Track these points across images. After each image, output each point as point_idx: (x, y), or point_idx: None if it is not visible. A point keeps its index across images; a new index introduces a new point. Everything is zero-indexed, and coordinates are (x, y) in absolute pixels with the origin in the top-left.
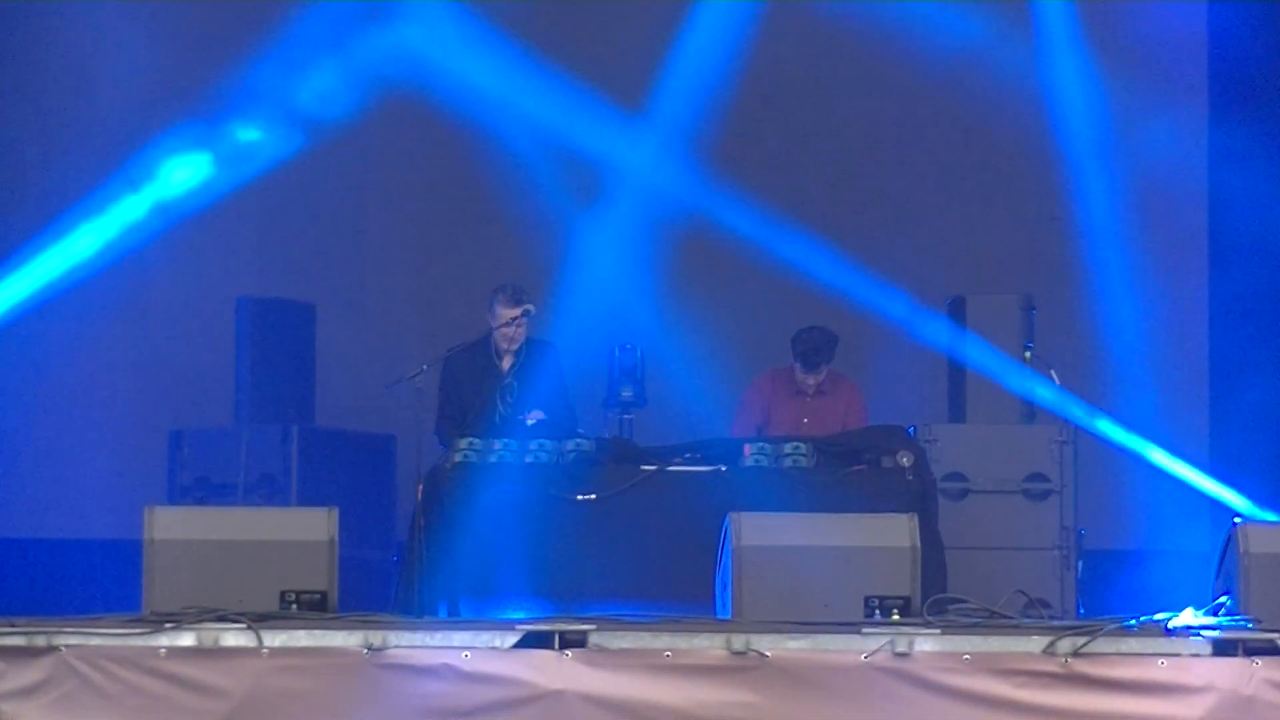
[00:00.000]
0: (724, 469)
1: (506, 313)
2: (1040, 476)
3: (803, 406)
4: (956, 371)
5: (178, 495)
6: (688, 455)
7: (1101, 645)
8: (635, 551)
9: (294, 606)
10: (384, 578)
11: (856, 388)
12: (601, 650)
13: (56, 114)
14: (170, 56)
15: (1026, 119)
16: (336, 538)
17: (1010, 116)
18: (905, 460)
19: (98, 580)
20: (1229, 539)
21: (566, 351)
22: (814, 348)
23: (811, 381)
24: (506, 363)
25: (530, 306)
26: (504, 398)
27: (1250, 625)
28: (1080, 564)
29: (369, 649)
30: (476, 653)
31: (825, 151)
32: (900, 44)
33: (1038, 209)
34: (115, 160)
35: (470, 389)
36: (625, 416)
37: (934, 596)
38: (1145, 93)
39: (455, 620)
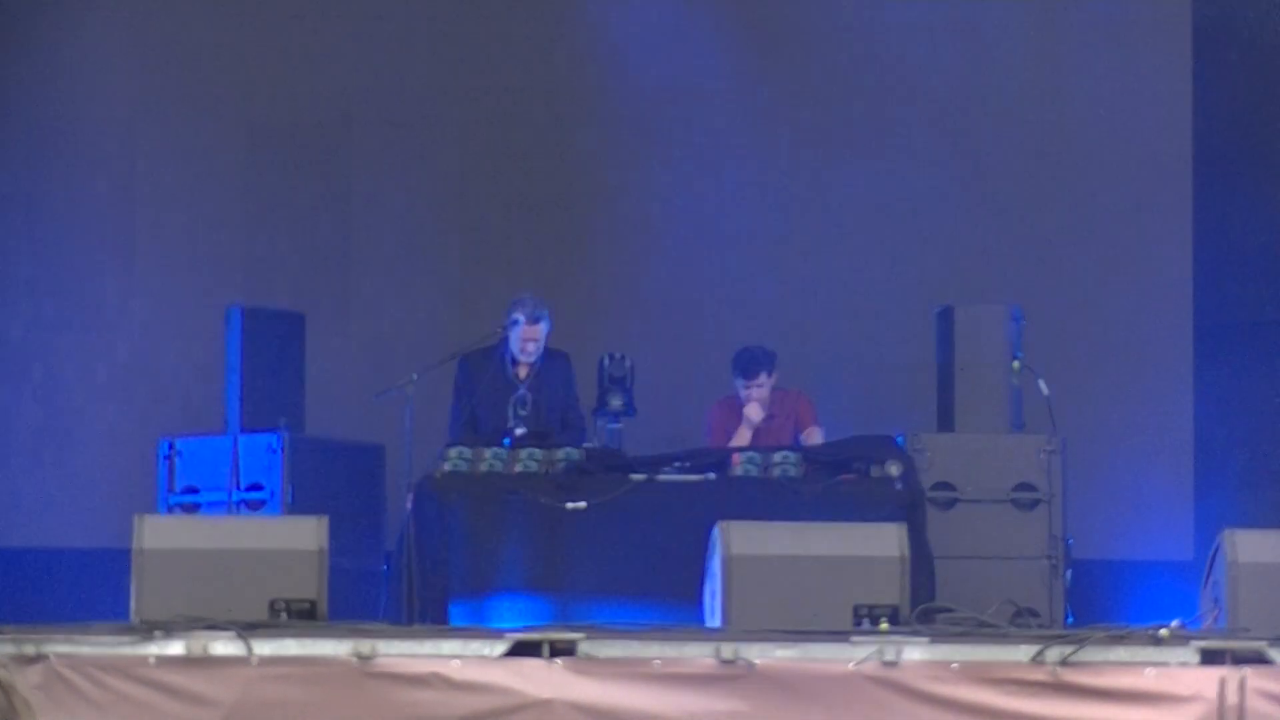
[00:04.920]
0: (713, 478)
1: (527, 331)
2: (1028, 486)
3: (756, 432)
4: (945, 381)
5: (167, 504)
6: (677, 464)
7: (1089, 654)
8: (624, 560)
9: (283, 615)
10: (373, 587)
11: (803, 395)
12: (590, 659)
13: (48, 111)
14: (161, 52)
15: (1018, 124)
16: (326, 547)
17: (1001, 123)
18: (894, 470)
19: (87, 589)
20: (1217, 548)
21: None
22: (750, 359)
23: (757, 395)
24: (522, 373)
25: (546, 326)
26: (517, 410)
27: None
28: (1068, 573)
29: (358, 658)
30: (466, 661)
31: (813, 159)
32: (891, 50)
33: (1026, 218)
34: (103, 164)
35: (484, 397)
36: (614, 426)
37: (922, 605)
38: (1130, 94)
39: (444, 629)
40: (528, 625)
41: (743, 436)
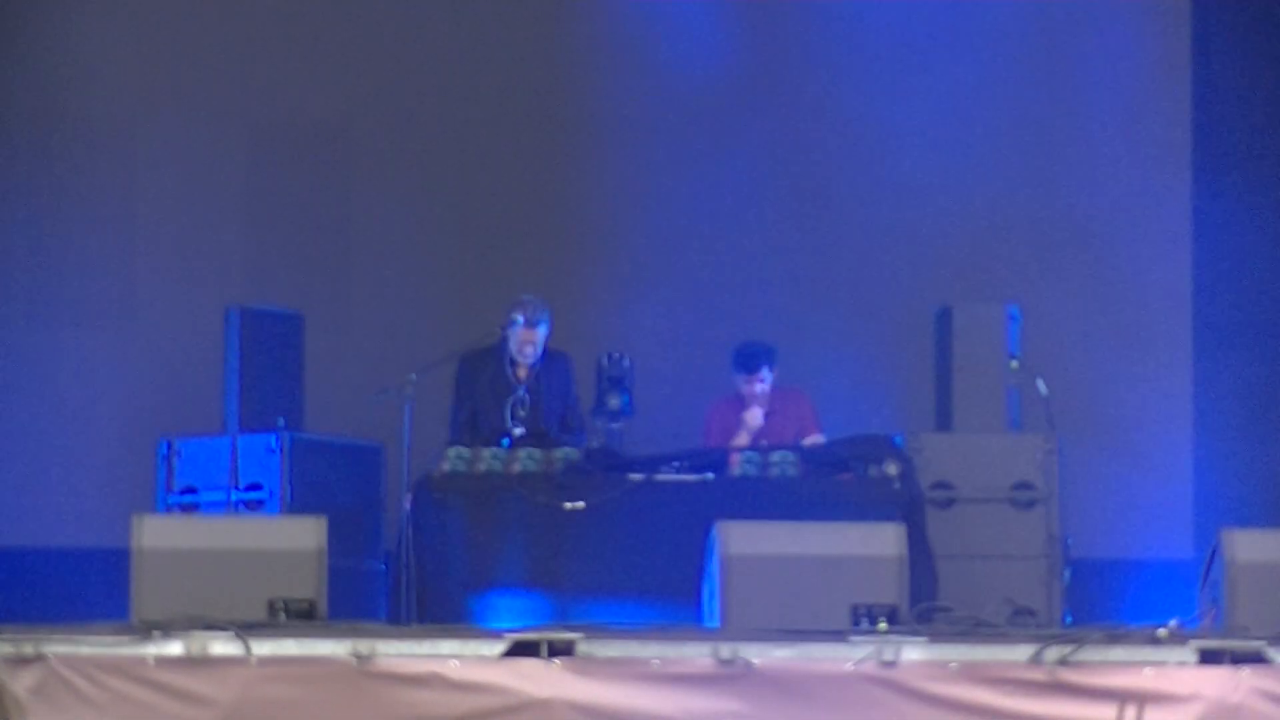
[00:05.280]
0: (711, 478)
1: (526, 334)
2: (1026, 485)
3: (757, 429)
4: (943, 381)
5: (166, 504)
6: (675, 464)
7: (1088, 654)
8: (623, 560)
9: (282, 615)
10: (372, 586)
11: (804, 395)
12: (589, 659)
13: (48, 112)
14: (161, 53)
15: (1016, 123)
16: (325, 546)
17: (999, 122)
18: (892, 469)
19: (85, 589)
20: (1215, 547)
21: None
22: (751, 353)
23: (759, 390)
24: (521, 373)
25: (545, 329)
26: (516, 411)
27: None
28: (1067, 572)
29: (357, 658)
30: (464, 661)
31: (811, 159)
32: (891, 49)
33: (1025, 217)
34: (106, 158)
35: (484, 397)
36: (613, 426)
37: (920, 605)
38: (1128, 92)
39: (443, 628)
40: (526, 625)
41: (742, 440)
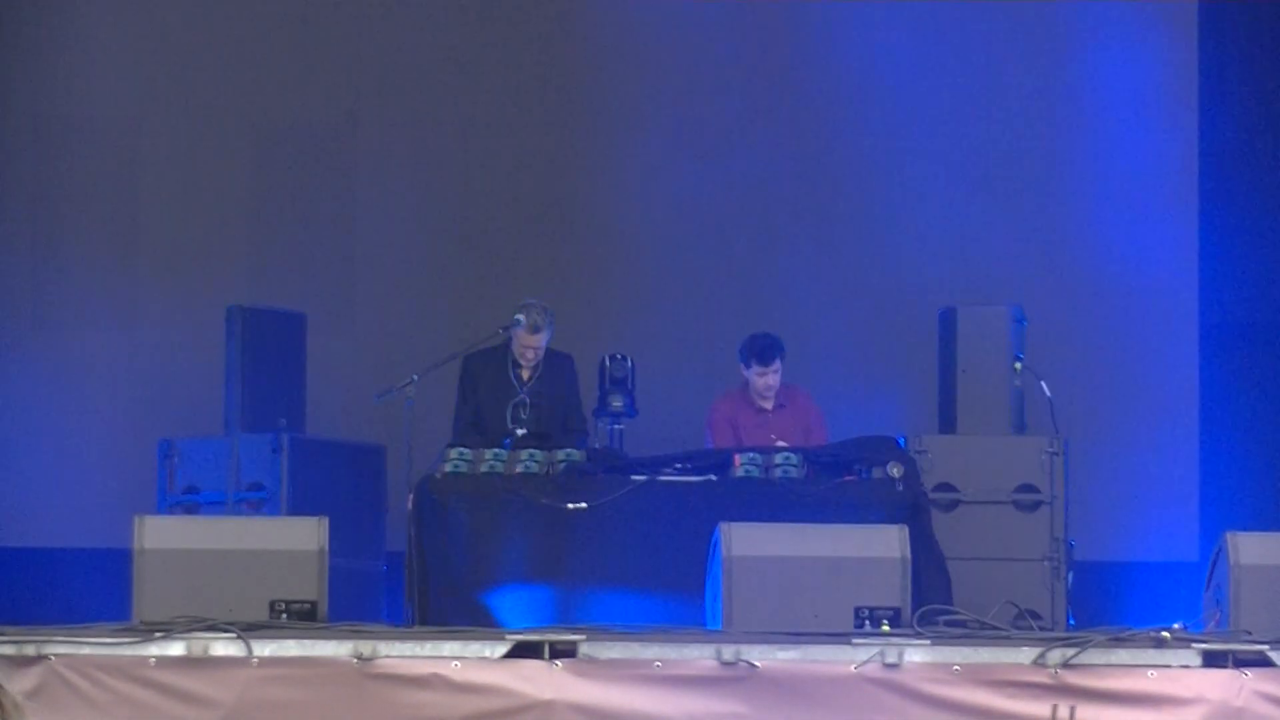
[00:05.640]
0: (714, 479)
1: (527, 339)
2: (1030, 487)
3: (765, 423)
4: (947, 382)
5: (167, 504)
6: (678, 465)
7: (1091, 656)
8: (626, 561)
9: (284, 616)
10: (373, 587)
11: (809, 395)
12: (591, 660)
13: (48, 112)
14: (161, 53)
15: (1019, 126)
16: (326, 547)
17: (1005, 122)
18: (895, 471)
19: (87, 589)
20: (1219, 550)
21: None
22: (766, 345)
23: (771, 382)
24: (525, 375)
25: (547, 335)
26: (518, 413)
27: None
28: (1070, 575)
29: (359, 659)
30: (466, 662)
31: (816, 160)
32: (898, 51)
33: (1029, 218)
34: (106, 158)
35: (487, 398)
36: (615, 426)
37: (924, 607)
38: (1135, 96)
39: (445, 630)
40: (528, 626)
41: None
